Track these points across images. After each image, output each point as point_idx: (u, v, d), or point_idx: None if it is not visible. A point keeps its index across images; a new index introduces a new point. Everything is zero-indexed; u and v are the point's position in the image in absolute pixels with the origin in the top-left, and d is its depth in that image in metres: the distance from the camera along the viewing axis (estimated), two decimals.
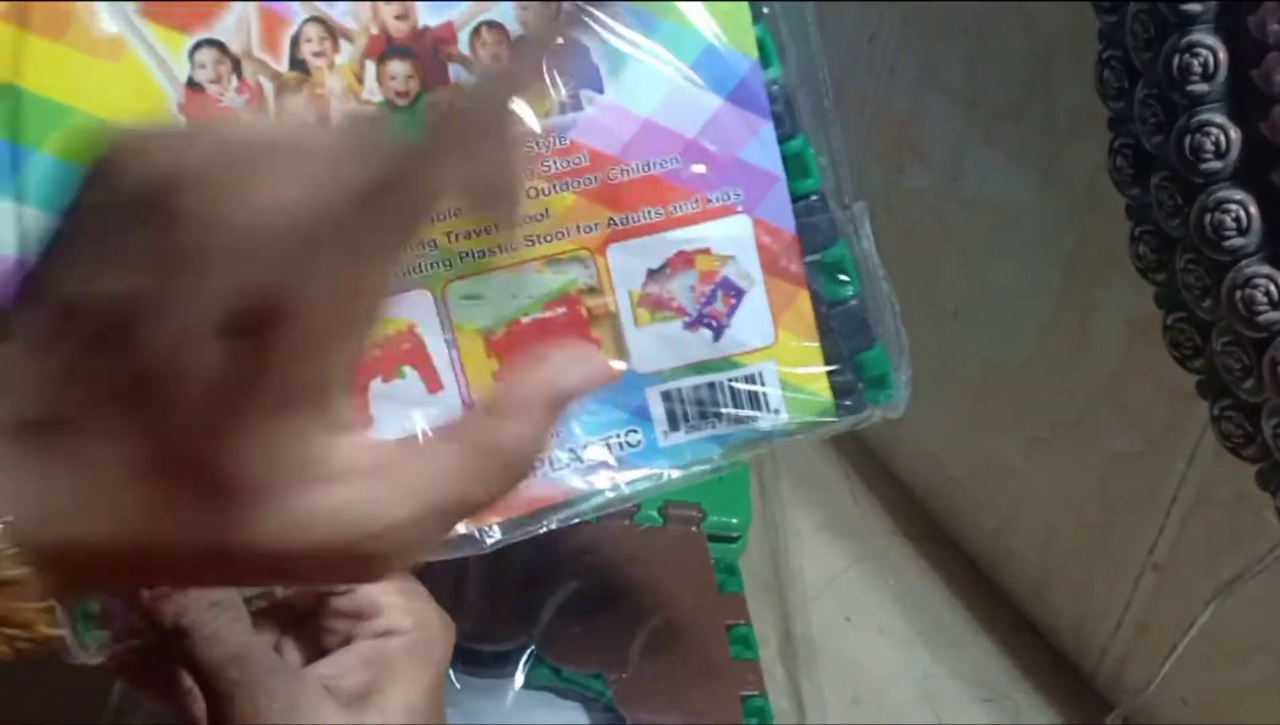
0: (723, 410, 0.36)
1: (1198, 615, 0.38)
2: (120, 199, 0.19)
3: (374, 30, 0.33)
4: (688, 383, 0.36)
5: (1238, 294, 0.32)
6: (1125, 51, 0.35)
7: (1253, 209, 0.32)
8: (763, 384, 0.36)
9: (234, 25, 0.32)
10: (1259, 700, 0.39)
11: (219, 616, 0.28)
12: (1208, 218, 0.32)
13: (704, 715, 0.43)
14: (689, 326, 0.35)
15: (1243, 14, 0.31)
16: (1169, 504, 0.41)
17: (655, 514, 0.50)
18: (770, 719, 0.43)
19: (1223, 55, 0.31)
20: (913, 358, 0.55)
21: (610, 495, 0.36)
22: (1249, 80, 0.31)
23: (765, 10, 0.35)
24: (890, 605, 0.51)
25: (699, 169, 0.35)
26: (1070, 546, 0.47)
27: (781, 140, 0.35)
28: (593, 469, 0.36)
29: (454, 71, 0.33)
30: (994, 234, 0.48)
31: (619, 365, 0.35)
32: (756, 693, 0.44)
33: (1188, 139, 0.32)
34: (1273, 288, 0.32)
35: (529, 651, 0.44)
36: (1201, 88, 0.32)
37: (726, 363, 0.36)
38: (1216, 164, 0.32)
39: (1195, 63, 0.32)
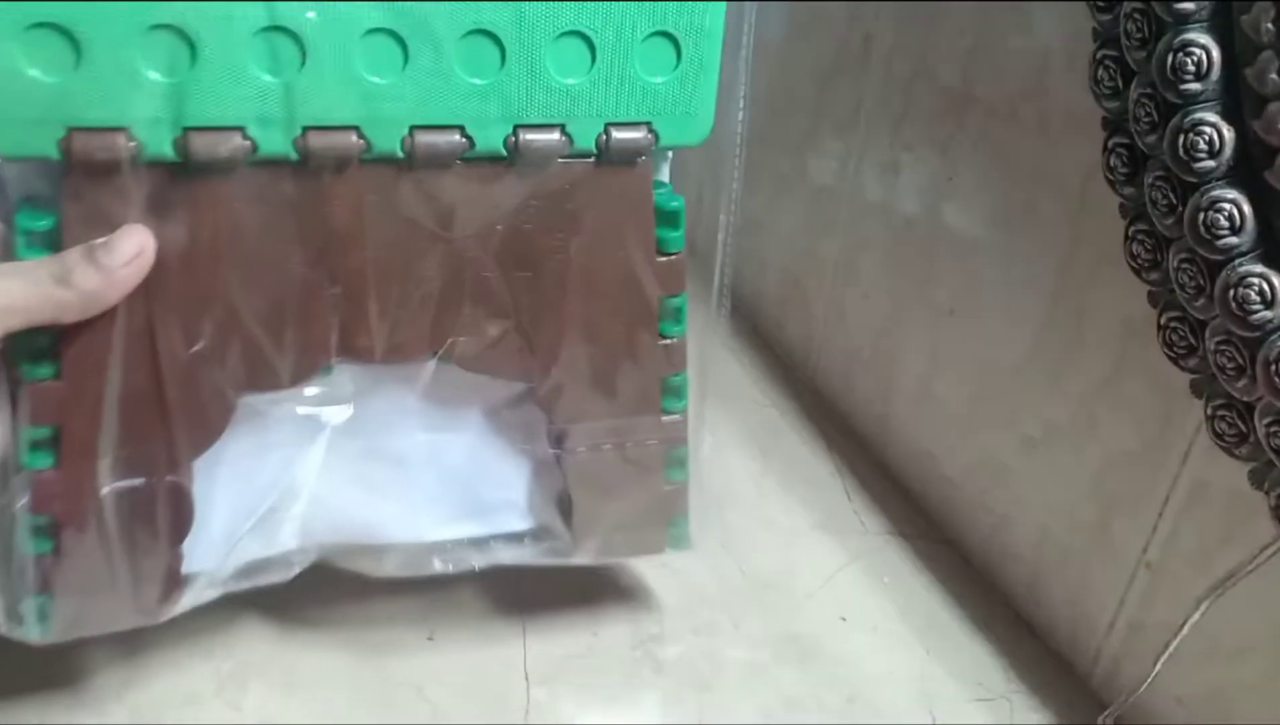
0: None
1: (1191, 614, 0.39)
2: None
3: None
4: None
5: (1231, 293, 0.32)
6: (1120, 51, 0.35)
7: (1246, 208, 0.32)
8: None
9: None
10: (1252, 699, 0.39)
11: None
12: (1201, 217, 0.32)
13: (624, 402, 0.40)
14: None
15: (1236, 13, 0.31)
16: (1163, 503, 0.41)
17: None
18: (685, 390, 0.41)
19: (1216, 54, 0.32)
20: (909, 357, 0.56)
21: None
22: (1243, 79, 0.31)
23: None
24: (885, 604, 0.51)
25: None
26: (1065, 546, 0.47)
27: None
28: None
29: None
30: (989, 234, 0.48)
31: None
32: (677, 372, 0.41)
33: (1181, 138, 0.32)
34: (1266, 286, 0.32)
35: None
36: (1195, 87, 0.32)
37: None
38: (1210, 163, 0.32)
39: (1189, 62, 0.32)
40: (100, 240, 0.31)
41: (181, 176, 0.32)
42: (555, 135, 0.35)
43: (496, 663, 0.46)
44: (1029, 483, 0.48)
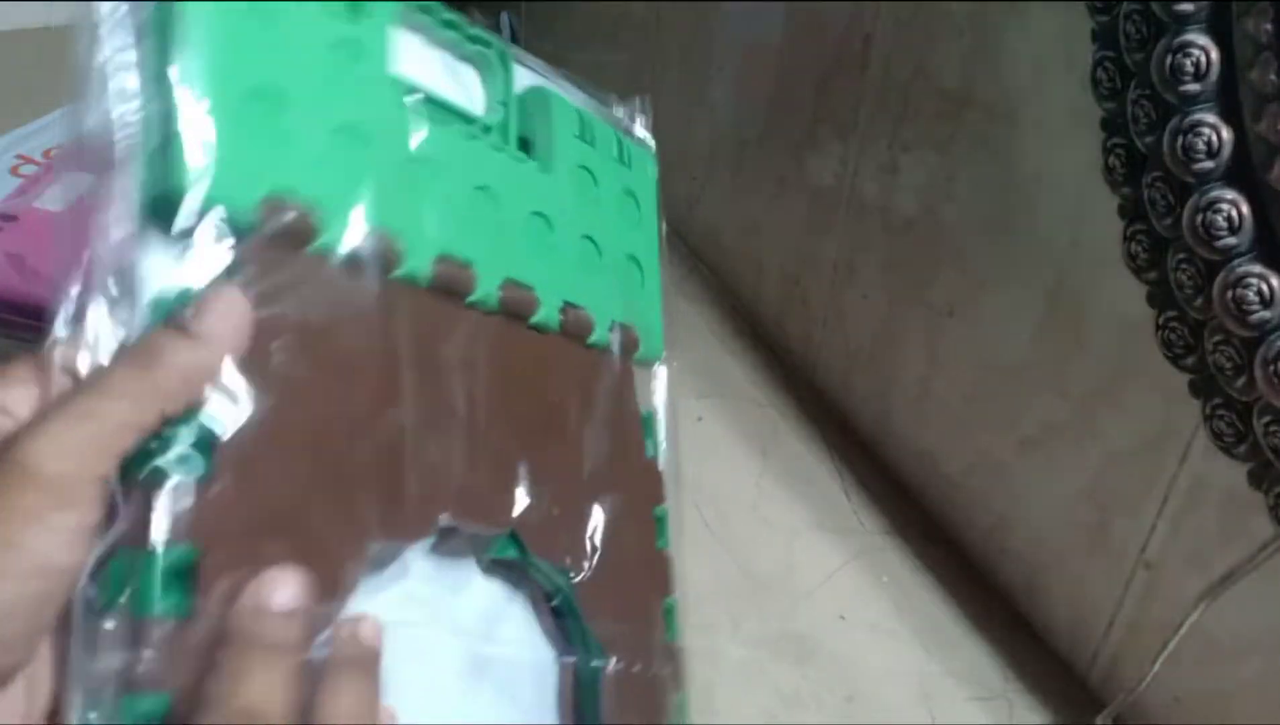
0: None
1: (1189, 614, 0.39)
2: None
3: None
4: None
5: (1229, 293, 0.32)
6: (1118, 52, 0.35)
7: (1244, 208, 0.32)
8: None
9: None
10: (1250, 698, 0.39)
11: None
12: (1200, 217, 0.33)
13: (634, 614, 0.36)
14: None
15: (1235, 14, 0.31)
16: (1161, 503, 0.41)
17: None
18: (675, 613, 0.38)
19: (1215, 55, 0.32)
20: (907, 357, 0.56)
21: None
22: (1241, 80, 0.31)
23: None
24: (884, 604, 0.51)
25: None
26: (1063, 545, 0.47)
27: None
28: None
29: None
30: (988, 234, 0.48)
31: None
32: (671, 594, 0.37)
33: (1180, 139, 0.32)
34: (1264, 287, 0.32)
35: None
36: (1194, 88, 0.32)
37: None
38: (1208, 164, 0.32)
39: (1187, 63, 0.32)
40: (184, 310, 0.26)
41: None
42: (586, 315, 0.36)
43: None
44: (1028, 482, 0.49)
